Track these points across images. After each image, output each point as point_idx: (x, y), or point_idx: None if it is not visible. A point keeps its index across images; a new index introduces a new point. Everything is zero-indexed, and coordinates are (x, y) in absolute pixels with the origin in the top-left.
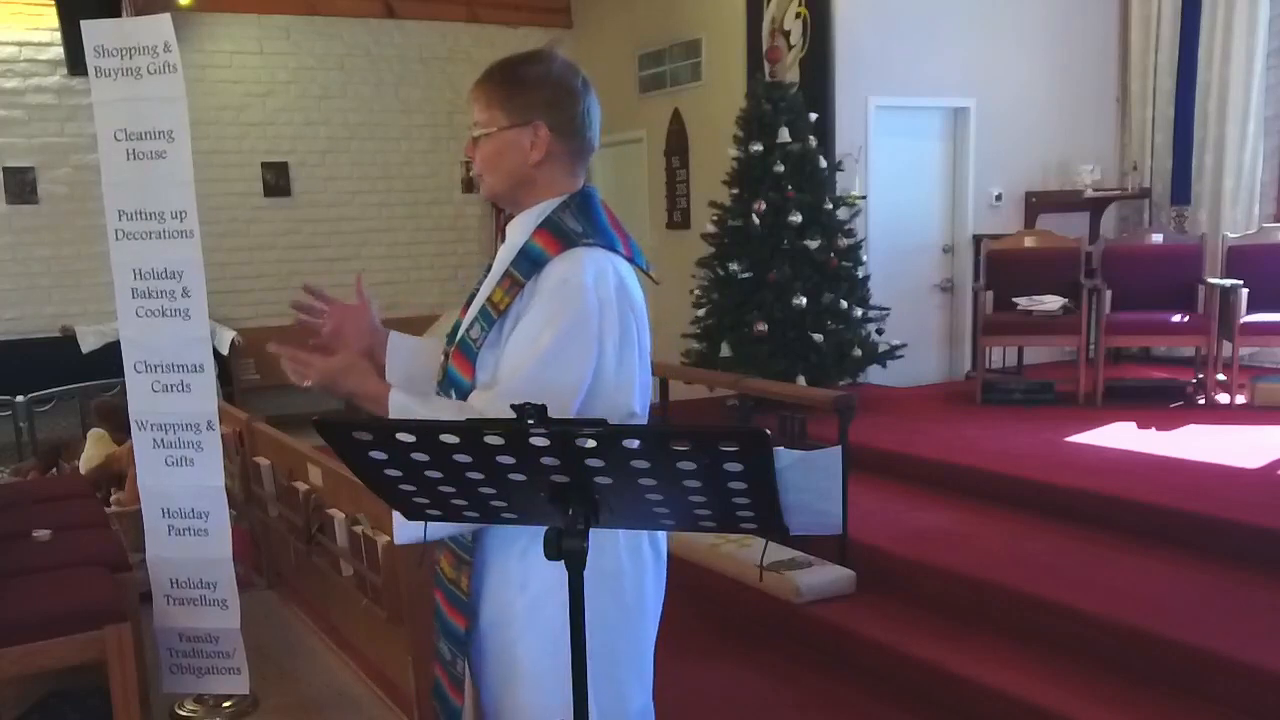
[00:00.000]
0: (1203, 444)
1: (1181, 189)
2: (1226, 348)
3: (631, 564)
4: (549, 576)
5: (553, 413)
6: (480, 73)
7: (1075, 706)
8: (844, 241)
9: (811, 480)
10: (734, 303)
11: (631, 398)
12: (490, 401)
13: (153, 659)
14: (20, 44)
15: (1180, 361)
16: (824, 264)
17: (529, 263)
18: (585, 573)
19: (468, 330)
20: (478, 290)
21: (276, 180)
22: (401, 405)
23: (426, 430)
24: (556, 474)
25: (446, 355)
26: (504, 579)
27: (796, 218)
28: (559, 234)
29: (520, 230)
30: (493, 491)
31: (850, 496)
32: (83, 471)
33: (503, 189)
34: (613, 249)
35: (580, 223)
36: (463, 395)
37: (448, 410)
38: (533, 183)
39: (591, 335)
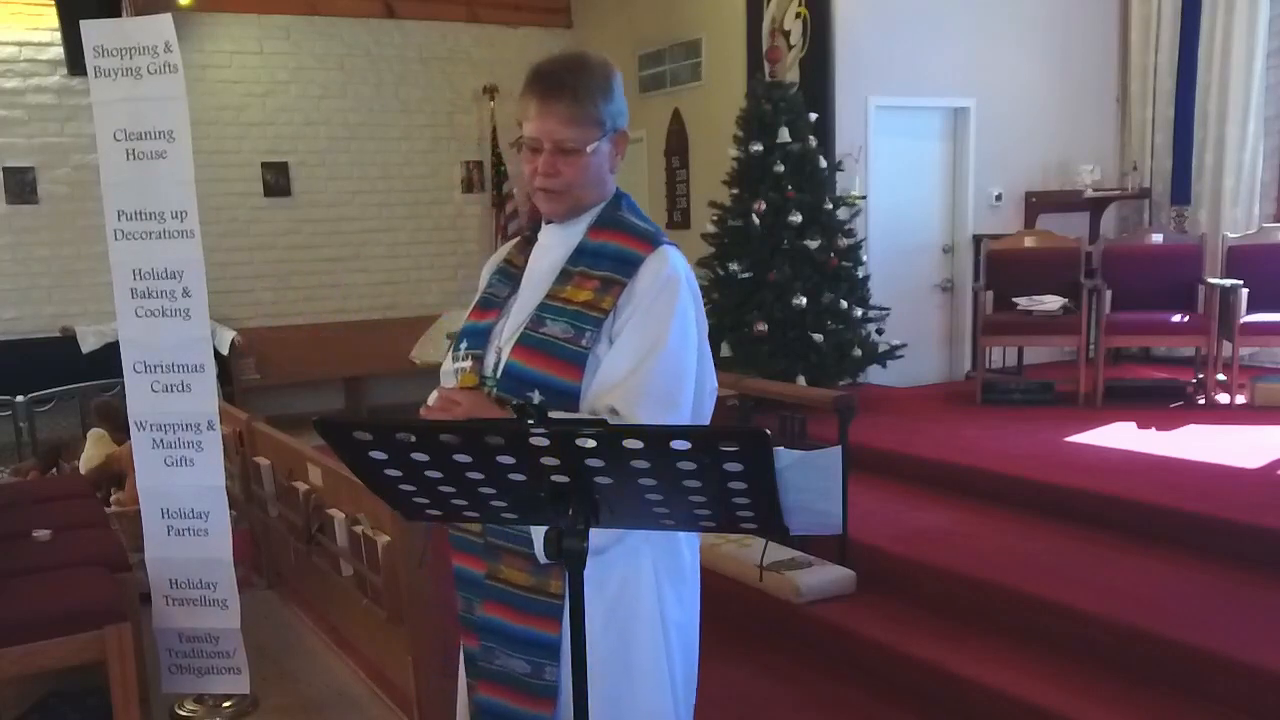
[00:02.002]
0: (1203, 444)
1: (1181, 189)
2: (1226, 348)
3: (690, 553)
4: (624, 575)
5: (681, 399)
6: (541, 84)
7: (1075, 706)
8: (844, 241)
9: (811, 480)
10: (734, 303)
11: (712, 375)
12: (636, 403)
13: (153, 659)
14: (20, 44)
15: (1180, 361)
16: (824, 264)
17: (618, 262)
18: (654, 565)
19: (539, 329)
20: (493, 294)
21: (276, 180)
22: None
23: (426, 430)
24: (556, 474)
25: (481, 359)
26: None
27: (796, 218)
28: (637, 234)
29: (569, 232)
30: (493, 491)
31: (850, 496)
32: (83, 471)
33: (589, 202)
34: (675, 244)
35: (643, 221)
36: (563, 394)
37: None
38: (605, 190)
39: (692, 325)
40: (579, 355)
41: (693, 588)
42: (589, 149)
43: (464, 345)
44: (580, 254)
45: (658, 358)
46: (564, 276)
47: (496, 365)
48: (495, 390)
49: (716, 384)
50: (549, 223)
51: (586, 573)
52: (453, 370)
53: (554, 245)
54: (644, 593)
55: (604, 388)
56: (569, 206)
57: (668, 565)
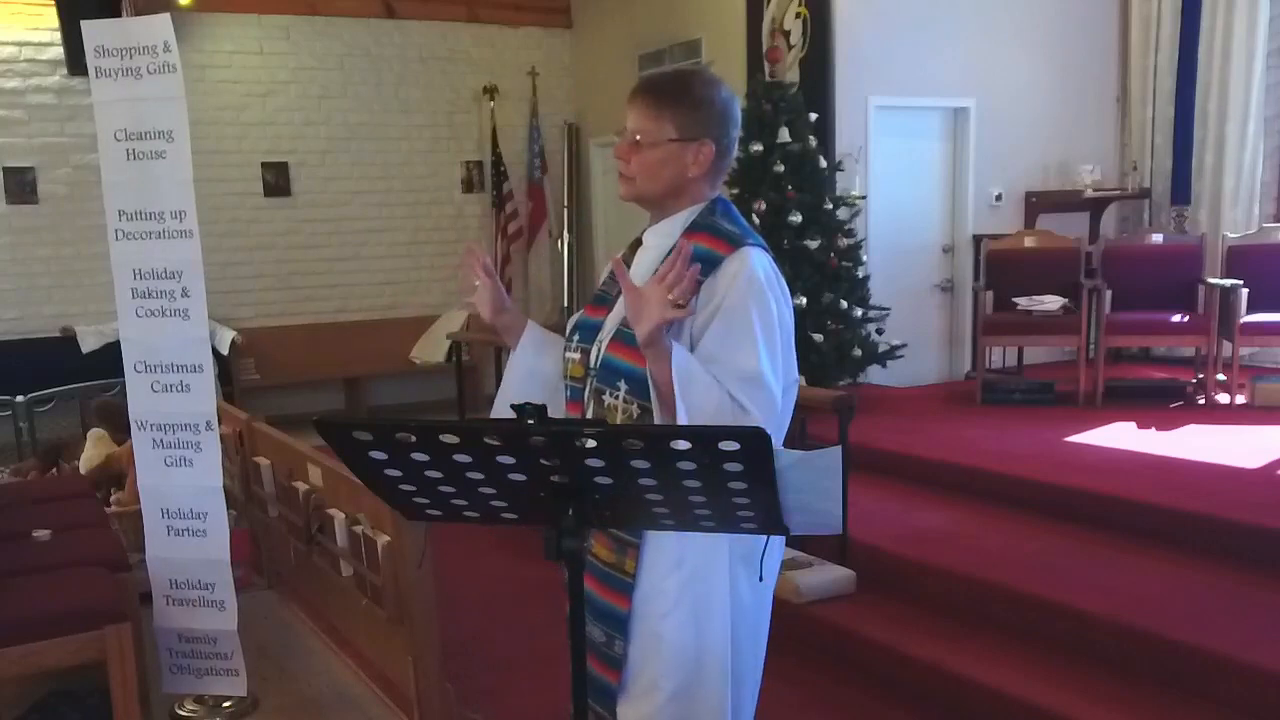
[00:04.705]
0: (1203, 444)
1: (1181, 189)
2: (1226, 348)
3: (763, 539)
4: (704, 555)
5: (765, 390)
6: (639, 83)
7: (1075, 706)
8: (844, 241)
9: (812, 480)
10: None
11: (793, 367)
12: (742, 389)
13: (153, 659)
14: (20, 44)
15: (1180, 361)
16: (824, 264)
17: (704, 264)
18: (729, 548)
19: (630, 326)
20: (605, 290)
21: (276, 180)
22: (684, 358)
23: (426, 430)
24: (556, 474)
25: (589, 351)
26: (659, 557)
27: (796, 218)
28: (722, 236)
29: (666, 234)
30: (493, 491)
31: (850, 496)
32: (83, 471)
33: (655, 195)
34: (765, 248)
35: (733, 225)
36: (646, 384)
37: (713, 384)
38: (683, 192)
39: (773, 325)
40: None
41: (768, 574)
42: (653, 144)
43: (576, 338)
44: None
45: (762, 349)
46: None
47: (597, 357)
48: (595, 381)
49: (798, 376)
50: (652, 225)
51: (666, 551)
52: (564, 359)
53: (652, 246)
54: (718, 572)
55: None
56: (635, 194)
57: (743, 550)
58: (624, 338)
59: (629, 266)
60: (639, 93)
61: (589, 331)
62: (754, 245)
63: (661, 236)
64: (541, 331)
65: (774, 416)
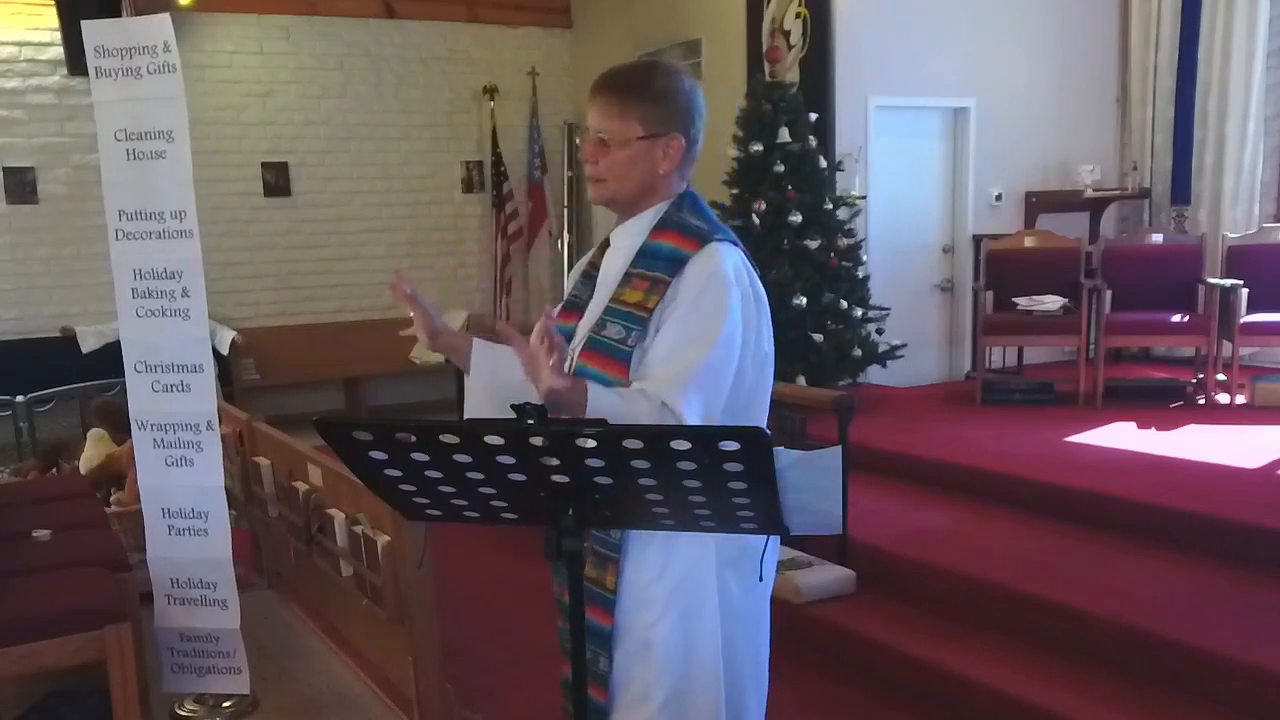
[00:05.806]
0: (1203, 444)
1: (1181, 189)
2: (1226, 348)
3: (756, 542)
4: (689, 559)
5: (716, 395)
6: (599, 80)
7: (1075, 706)
8: (844, 241)
9: (812, 480)
10: None
11: (755, 356)
12: (676, 389)
13: (153, 659)
14: (20, 44)
15: (1180, 361)
16: (824, 264)
17: (668, 262)
18: (717, 555)
19: (600, 332)
20: (576, 295)
21: (276, 180)
22: (599, 394)
23: (426, 430)
24: (556, 474)
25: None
26: (642, 567)
27: (796, 218)
28: (689, 232)
29: (633, 234)
30: (493, 491)
31: (850, 496)
32: (83, 471)
33: (627, 196)
34: (735, 242)
35: (701, 220)
36: None
37: (639, 401)
38: (655, 189)
39: (736, 322)
40: (626, 354)
41: (763, 581)
42: (621, 144)
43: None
44: (640, 255)
45: (710, 351)
46: (625, 279)
47: (571, 366)
48: None
49: (767, 349)
50: (620, 224)
51: (649, 560)
52: None
53: (621, 248)
54: (705, 576)
55: (644, 372)
56: (608, 196)
57: (733, 556)
58: (595, 345)
59: (597, 269)
60: (600, 90)
61: (563, 339)
62: (722, 240)
63: (630, 236)
64: (491, 349)
65: (713, 413)
